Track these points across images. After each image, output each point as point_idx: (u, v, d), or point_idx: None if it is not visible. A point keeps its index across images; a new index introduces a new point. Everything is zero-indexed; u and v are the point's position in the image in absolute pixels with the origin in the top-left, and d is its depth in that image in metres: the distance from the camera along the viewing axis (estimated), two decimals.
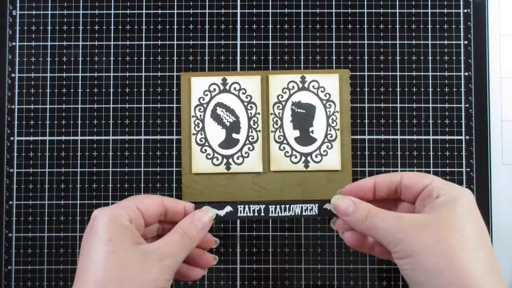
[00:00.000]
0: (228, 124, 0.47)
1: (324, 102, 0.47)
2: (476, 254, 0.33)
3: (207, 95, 0.47)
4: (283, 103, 0.47)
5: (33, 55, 0.49)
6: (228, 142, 0.47)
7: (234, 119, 0.47)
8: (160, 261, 0.36)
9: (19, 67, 0.48)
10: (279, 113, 0.47)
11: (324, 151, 0.47)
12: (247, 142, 0.47)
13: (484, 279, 0.33)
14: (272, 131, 0.47)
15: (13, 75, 0.48)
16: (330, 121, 0.47)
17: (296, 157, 0.47)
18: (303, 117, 0.47)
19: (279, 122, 0.47)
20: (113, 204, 0.38)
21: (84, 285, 0.34)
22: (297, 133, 0.47)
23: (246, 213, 0.41)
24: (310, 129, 0.47)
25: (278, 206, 0.40)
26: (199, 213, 0.40)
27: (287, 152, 0.47)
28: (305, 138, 0.47)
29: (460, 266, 0.33)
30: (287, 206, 0.40)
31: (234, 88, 0.47)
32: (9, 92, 0.48)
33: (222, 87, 0.48)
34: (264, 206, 0.40)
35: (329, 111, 0.47)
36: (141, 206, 0.38)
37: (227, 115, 0.47)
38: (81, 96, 0.48)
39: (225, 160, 0.47)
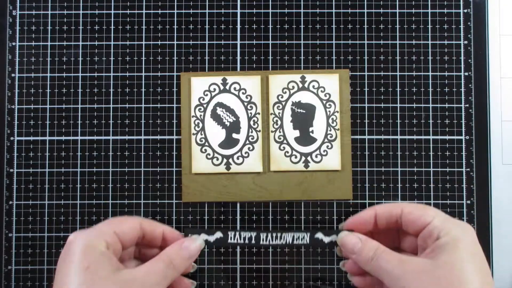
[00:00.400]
0: (228, 124, 0.47)
1: (324, 102, 0.47)
2: None
3: (207, 95, 0.47)
4: (283, 103, 0.47)
5: (33, 55, 0.49)
6: (228, 142, 0.47)
7: (234, 119, 0.47)
8: None
9: (19, 67, 0.48)
10: (279, 113, 0.47)
11: (324, 151, 0.47)
12: (247, 142, 0.47)
13: None
14: (272, 131, 0.47)
15: (13, 75, 0.48)
16: (330, 121, 0.47)
17: (296, 157, 0.47)
18: (303, 117, 0.47)
19: (279, 122, 0.47)
20: (89, 228, 0.36)
21: None
22: (297, 133, 0.47)
23: (237, 240, 0.40)
24: (310, 129, 0.47)
25: (269, 234, 0.40)
26: (188, 241, 0.38)
27: (287, 152, 0.47)
28: (305, 138, 0.47)
29: None
30: (279, 234, 0.40)
31: (234, 88, 0.47)
32: (9, 92, 0.48)
33: (222, 87, 0.48)
34: (255, 234, 0.40)
35: (329, 111, 0.47)
36: (118, 231, 0.36)
37: (227, 115, 0.47)
38: (81, 96, 0.48)
39: (225, 160, 0.47)
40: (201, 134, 0.47)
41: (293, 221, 0.47)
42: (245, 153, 0.47)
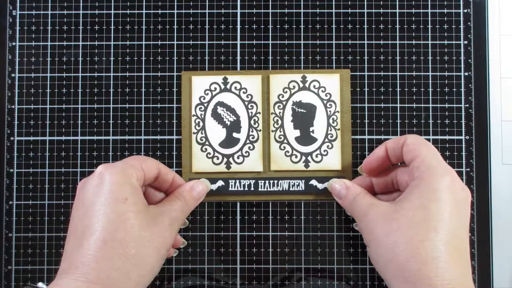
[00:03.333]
0: (228, 123, 0.47)
1: (325, 102, 0.47)
2: (423, 248, 0.33)
3: (207, 94, 0.47)
4: (284, 102, 0.47)
5: (33, 55, 0.48)
6: (229, 142, 0.47)
7: (235, 118, 0.47)
8: (170, 224, 0.37)
9: (19, 67, 0.48)
10: (279, 112, 0.47)
11: (324, 151, 0.47)
12: (248, 141, 0.47)
13: (425, 274, 0.32)
14: (272, 131, 0.47)
15: (13, 75, 0.48)
16: (331, 121, 0.47)
17: (296, 156, 0.47)
18: (304, 117, 0.47)
19: (279, 122, 0.47)
20: (116, 162, 0.38)
21: (99, 242, 0.33)
22: (297, 132, 0.47)
23: (237, 187, 0.46)
24: (311, 129, 0.47)
25: (267, 181, 0.46)
26: (196, 183, 0.43)
27: (288, 151, 0.47)
28: (306, 138, 0.47)
29: (401, 259, 0.33)
30: (276, 181, 0.46)
31: (235, 88, 0.47)
32: (9, 92, 0.48)
33: (223, 86, 0.48)
34: (254, 181, 0.46)
35: (330, 111, 0.47)
36: (144, 166, 0.39)
37: (228, 114, 0.47)
38: (81, 96, 0.48)
39: (225, 160, 0.47)
40: (202, 133, 0.47)
41: (293, 221, 0.47)
42: (246, 152, 0.47)
